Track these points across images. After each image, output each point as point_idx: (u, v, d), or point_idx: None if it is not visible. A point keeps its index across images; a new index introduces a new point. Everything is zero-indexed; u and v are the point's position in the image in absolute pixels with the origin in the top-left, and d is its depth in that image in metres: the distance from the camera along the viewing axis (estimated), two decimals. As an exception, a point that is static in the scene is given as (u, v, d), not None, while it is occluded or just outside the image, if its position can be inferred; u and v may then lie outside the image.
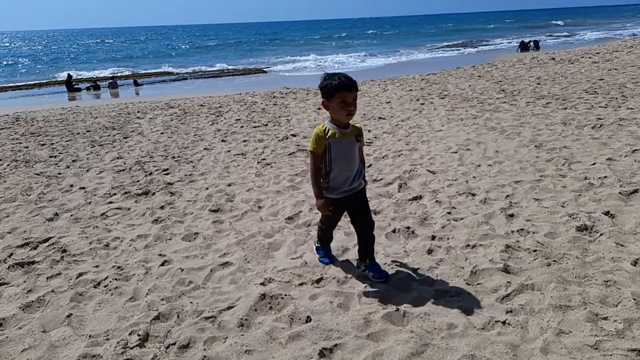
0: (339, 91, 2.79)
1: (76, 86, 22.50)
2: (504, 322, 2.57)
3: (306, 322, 2.72)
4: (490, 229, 3.71)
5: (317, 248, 3.49)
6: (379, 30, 75.78)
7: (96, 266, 3.59)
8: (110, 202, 5.08)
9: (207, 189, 5.31)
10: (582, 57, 15.38)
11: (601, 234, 3.45)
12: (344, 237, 3.78)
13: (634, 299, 2.65)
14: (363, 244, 3.13)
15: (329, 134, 2.90)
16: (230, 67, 30.29)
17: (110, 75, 25.72)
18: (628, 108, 7.33)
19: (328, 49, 44.43)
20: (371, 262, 3.14)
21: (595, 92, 8.93)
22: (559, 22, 67.69)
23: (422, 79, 13.85)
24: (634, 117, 6.73)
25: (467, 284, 3.00)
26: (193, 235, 4.09)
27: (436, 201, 4.39)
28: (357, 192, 3.04)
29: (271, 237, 3.91)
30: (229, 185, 5.40)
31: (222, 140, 7.75)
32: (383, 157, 5.99)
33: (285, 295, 2.99)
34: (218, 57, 38.99)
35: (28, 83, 25.33)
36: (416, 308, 2.76)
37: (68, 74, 23.51)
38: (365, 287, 3.03)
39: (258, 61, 34.16)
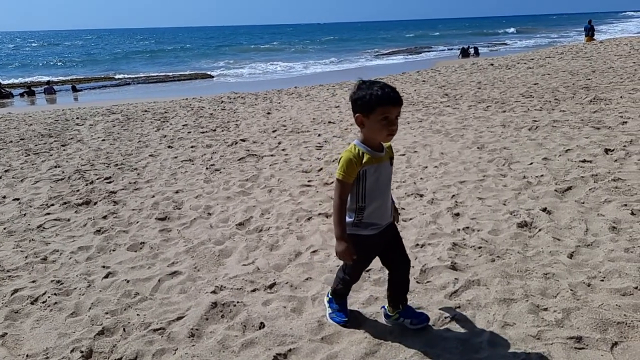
0: (381, 105, 2.16)
1: (7, 92, 21.17)
2: (453, 318, 2.65)
3: (259, 328, 2.68)
4: (437, 228, 3.82)
5: (329, 301, 2.74)
6: (327, 37, 76.60)
7: (33, 281, 3.38)
8: (48, 214, 4.80)
9: (153, 196, 5.14)
10: (518, 63, 16.21)
11: (540, 230, 3.63)
12: (297, 241, 3.77)
13: (571, 290, 2.81)
14: (399, 288, 2.56)
15: (364, 159, 2.25)
16: (176, 72, 29.57)
17: (46, 81, 24.37)
18: (560, 110, 7.80)
19: (276, 54, 44.41)
20: (405, 306, 2.60)
21: (531, 95, 9.44)
22: (512, 30, 70.31)
23: (370, 84, 14.09)
24: (566, 119, 7.16)
25: (417, 282, 3.06)
26: (139, 245, 3.94)
27: (386, 203, 4.46)
28: (391, 225, 2.50)
29: (222, 244, 3.83)
30: (177, 192, 5.24)
31: (169, 147, 7.53)
32: (334, 161, 6.03)
33: (238, 302, 2.93)
34: (163, 62, 38.00)
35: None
36: (368, 308, 2.79)
37: (-4, 80, 22.08)
38: (318, 291, 3.03)
39: (204, 66, 33.60)
